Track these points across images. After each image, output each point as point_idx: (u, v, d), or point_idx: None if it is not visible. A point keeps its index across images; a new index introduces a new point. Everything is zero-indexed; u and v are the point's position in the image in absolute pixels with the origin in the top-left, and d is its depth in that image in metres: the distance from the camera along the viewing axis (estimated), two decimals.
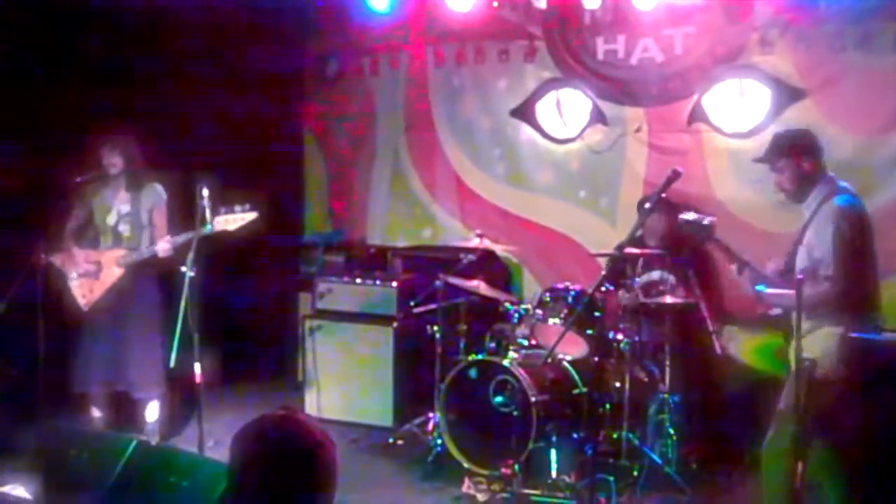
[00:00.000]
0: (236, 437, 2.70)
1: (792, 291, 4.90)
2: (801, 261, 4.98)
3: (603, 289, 6.51)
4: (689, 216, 5.34)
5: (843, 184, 5.06)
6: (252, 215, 6.33)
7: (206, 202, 6.04)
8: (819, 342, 4.80)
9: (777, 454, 4.96)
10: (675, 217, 6.76)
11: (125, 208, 6.85)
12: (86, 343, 6.82)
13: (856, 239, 4.83)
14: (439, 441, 6.88)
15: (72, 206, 6.93)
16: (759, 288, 5.06)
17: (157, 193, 6.89)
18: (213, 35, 8.11)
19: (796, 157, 5.04)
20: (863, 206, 5.03)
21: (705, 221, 5.29)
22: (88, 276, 6.83)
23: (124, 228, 6.84)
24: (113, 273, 6.78)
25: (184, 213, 6.66)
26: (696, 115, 7.68)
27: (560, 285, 7.14)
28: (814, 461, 4.82)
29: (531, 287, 8.45)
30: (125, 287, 6.78)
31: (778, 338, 6.98)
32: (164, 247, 6.63)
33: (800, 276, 4.70)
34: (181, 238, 6.56)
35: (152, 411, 6.99)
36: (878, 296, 5.09)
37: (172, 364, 5.93)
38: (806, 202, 5.06)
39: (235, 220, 6.25)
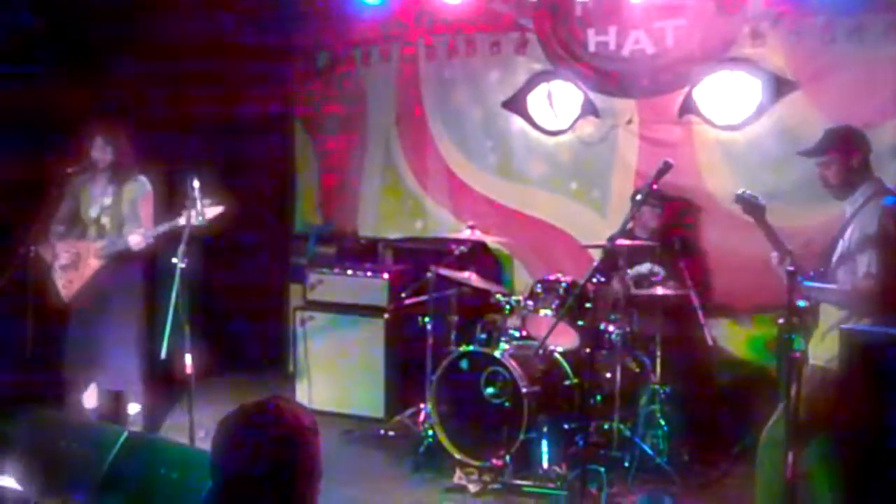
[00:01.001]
0: (217, 427, 2.72)
1: (829, 285, 4.92)
2: (839, 257, 4.95)
3: (594, 280, 6.52)
4: (745, 192, 5.25)
5: (890, 186, 5.04)
6: (219, 209, 6.30)
7: (196, 194, 6.03)
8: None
9: (775, 441, 4.96)
10: (666, 208, 6.79)
11: (107, 200, 6.82)
12: (67, 335, 6.81)
13: None
14: (430, 432, 6.88)
15: (60, 198, 6.90)
16: (803, 281, 5.00)
17: (140, 185, 6.85)
18: (204, 28, 8.09)
19: (846, 152, 5.00)
20: None
21: (760, 200, 5.22)
22: (68, 268, 6.81)
23: (106, 220, 6.80)
24: (91, 265, 6.75)
25: (172, 205, 6.62)
26: (688, 107, 7.67)
27: (551, 277, 7.15)
28: (811, 454, 4.85)
29: (522, 278, 8.46)
30: (105, 280, 6.75)
31: (770, 329, 7.02)
32: (135, 239, 6.61)
33: (838, 270, 4.77)
34: (153, 231, 6.57)
35: (134, 403, 6.98)
36: None
37: (164, 355, 5.92)
38: (851, 198, 5.02)
39: (212, 211, 6.25)
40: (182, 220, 6.26)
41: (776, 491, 4.93)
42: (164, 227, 6.49)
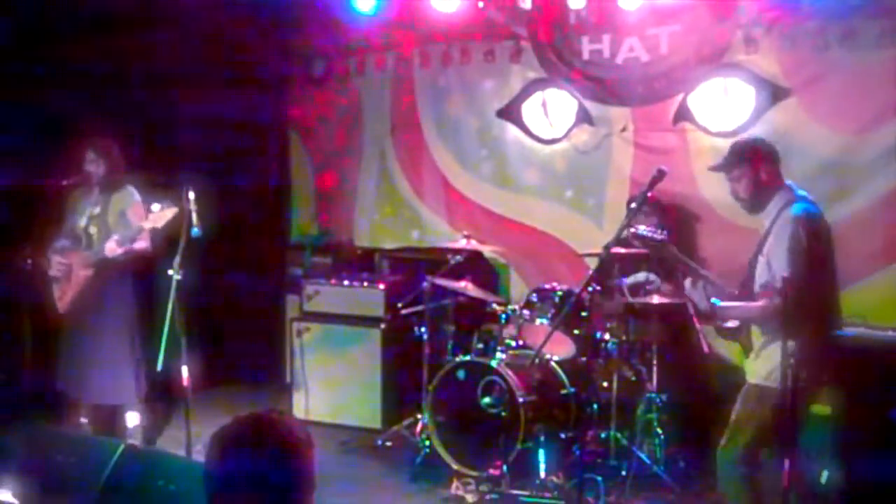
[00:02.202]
0: (211, 439, 2.71)
1: (747, 304, 4.92)
2: (760, 273, 4.93)
3: (590, 289, 6.52)
4: (642, 229, 5.16)
5: (802, 192, 5.01)
6: (173, 210, 6.29)
7: (191, 205, 6.01)
8: (775, 355, 4.73)
9: (731, 464, 4.97)
10: (662, 217, 6.80)
11: (95, 210, 6.82)
12: (60, 347, 6.81)
13: (813, 247, 4.76)
14: (427, 442, 6.88)
15: (57, 210, 6.89)
16: (715, 301, 5.01)
17: (129, 195, 6.84)
18: (199, 36, 8.10)
19: (754, 165, 4.98)
20: (821, 214, 4.98)
21: (658, 236, 5.14)
22: (61, 279, 6.81)
23: (93, 230, 6.80)
24: (81, 275, 6.75)
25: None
26: (682, 115, 7.69)
27: (547, 286, 7.16)
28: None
29: (518, 287, 8.46)
30: (94, 290, 6.74)
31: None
32: (110, 246, 6.58)
33: (759, 285, 4.78)
34: (118, 238, 6.55)
35: (132, 417, 6.96)
36: (836, 304, 5.08)
37: (160, 367, 5.91)
38: (765, 211, 5.01)
39: (163, 216, 6.25)
40: (147, 224, 6.34)
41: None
42: (130, 233, 6.51)
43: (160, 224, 6.32)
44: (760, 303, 4.84)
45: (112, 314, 6.78)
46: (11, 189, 6.91)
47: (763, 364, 4.89)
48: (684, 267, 5.16)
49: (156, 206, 6.26)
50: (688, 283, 5.12)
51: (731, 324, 5.16)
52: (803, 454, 5.01)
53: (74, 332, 6.76)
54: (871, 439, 5.37)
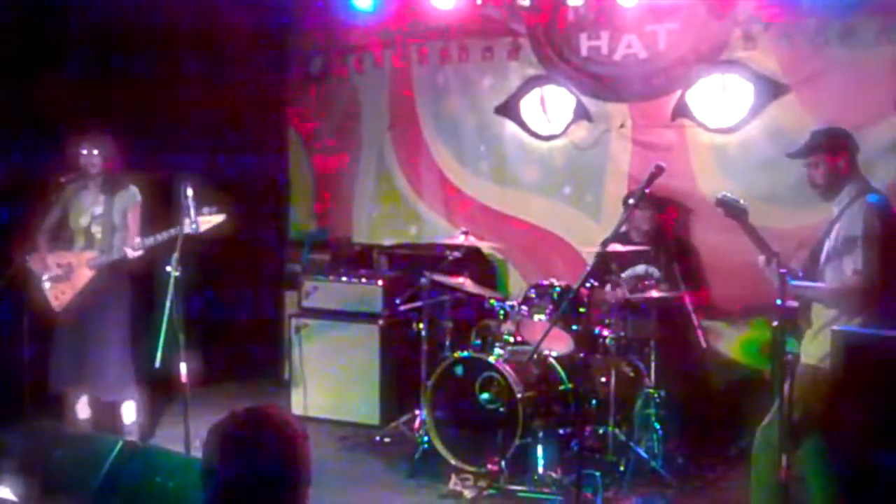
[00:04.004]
0: (209, 433, 2.72)
1: (818, 284, 4.94)
2: (827, 256, 4.96)
3: (588, 285, 6.52)
4: (726, 195, 5.18)
5: (875, 185, 5.06)
6: (220, 217, 6.30)
7: (190, 202, 6.01)
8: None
9: (769, 441, 4.96)
10: (660, 212, 6.80)
11: (98, 210, 6.81)
12: (57, 345, 6.80)
13: (886, 237, 4.80)
14: (426, 438, 6.88)
15: (50, 207, 6.88)
16: (791, 280, 4.99)
17: (130, 195, 6.85)
18: (197, 34, 8.09)
19: (833, 154, 5.00)
20: (892, 207, 5.00)
21: (743, 203, 5.16)
22: (60, 279, 6.80)
23: (96, 230, 6.81)
24: (84, 275, 6.76)
25: (166, 213, 6.61)
26: (680, 111, 7.70)
27: (545, 281, 7.15)
28: (804, 455, 4.87)
29: (517, 283, 8.47)
30: (96, 289, 6.75)
31: (764, 332, 7.03)
32: (131, 252, 6.62)
33: (826, 269, 4.81)
34: (150, 240, 6.57)
35: (129, 413, 6.97)
36: None
37: (158, 364, 5.91)
38: (837, 199, 5.02)
39: (209, 221, 6.25)
40: (174, 231, 6.28)
41: (771, 492, 4.95)
42: (161, 237, 6.50)
43: (205, 228, 6.27)
44: (833, 285, 4.84)
45: (111, 312, 6.80)
46: (8, 186, 6.92)
47: (820, 346, 4.85)
48: (758, 242, 5.12)
49: (205, 210, 6.23)
50: (762, 259, 5.10)
51: (794, 303, 5.15)
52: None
53: (73, 330, 6.76)
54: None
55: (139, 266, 6.76)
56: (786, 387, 4.90)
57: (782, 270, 4.83)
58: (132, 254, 6.63)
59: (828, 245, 4.98)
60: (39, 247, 6.84)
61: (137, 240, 6.64)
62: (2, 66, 7.21)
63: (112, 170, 6.81)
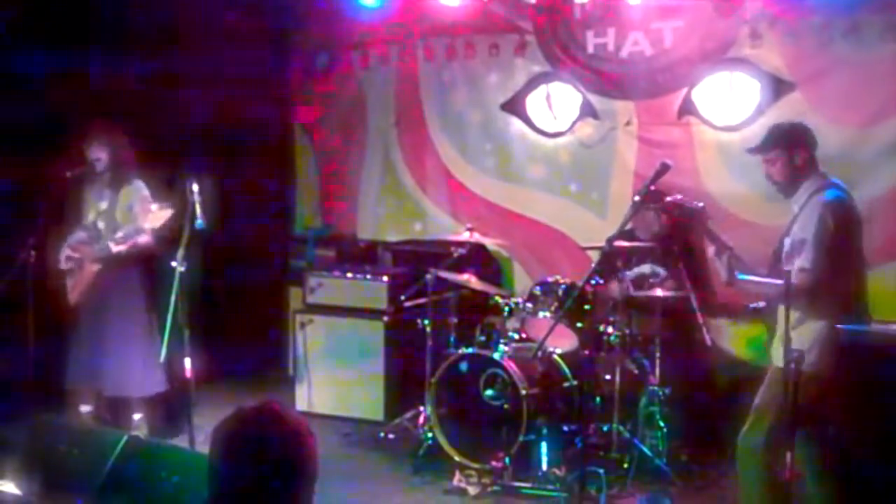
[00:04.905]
0: (215, 430, 2.72)
1: (769, 280, 4.93)
2: (786, 254, 4.95)
3: (593, 282, 6.52)
4: (677, 197, 5.21)
5: (835, 180, 5.03)
6: (169, 212, 6.35)
7: (196, 198, 6.01)
8: (805, 335, 4.79)
9: (751, 450, 4.98)
10: (664, 207, 6.78)
11: (104, 205, 6.83)
12: (74, 342, 6.83)
13: (840, 234, 4.79)
14: (430, 435, 6.88)
15: (62, 202, 6.90)
16: (740, 275, 5.01)
17: (136, 190, 6.84)
18: (203, 30, 8.09)
19: (790, 149, 4.99)
20: (852, 203, 5.00)
21: (698, 203, 5.18)
22: (72, 272, 6.84)
23: (102, 224, 6.82)
24: (90, 269, 6.77)
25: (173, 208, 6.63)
26: (686, 109, 7.69)
27: (550, 279, 7.16)
28: (797, 455, 4.86)
29: (522, 280, 8.47)
30: (103, 283, 6.76)
31: (764, 331, 7.03)
32: (112, 245, 6.65)
33: (787, 268, 4.72)
34: (129, 232, 6.61)
35: (137, 407, 6.98)
36: (864, 292, 5.07)
37: (163, 359, 5.93)
38: (795, 196, 5.03)
39: (160, 217, 6.28)
40: (147, 225, 6.43)
41: (760, 499, 4.96)
42: (131, 231, 6.61)
43: (157, 224, 6.34)
44: (782, 281, 4.84)
45: (119, 307, 6.80)
46: (14, 181, 6.93)
47: (798, 338, 4.87)
48: (712, 237, 5.13)
49: (154, 207, 6.28)
50: (712, 250, 5.10)
51: (759, 304, 5.15)
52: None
53: (84, 324, 6.79)
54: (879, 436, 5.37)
55: (147, 260, 6.76)
56: (759, 392, 4.97)
57: (733, 263, 4.87)
58: (116, 249, 6.63)
59: (787, 243, 4.97)
60: (52, 241, 6.86)
61: (118, 234, 6.65)
62: (10, 64, 7.21)
63: (121, 167, 6.81)
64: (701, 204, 5.23)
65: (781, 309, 4.91)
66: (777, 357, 4.96)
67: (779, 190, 5.12)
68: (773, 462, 4.88)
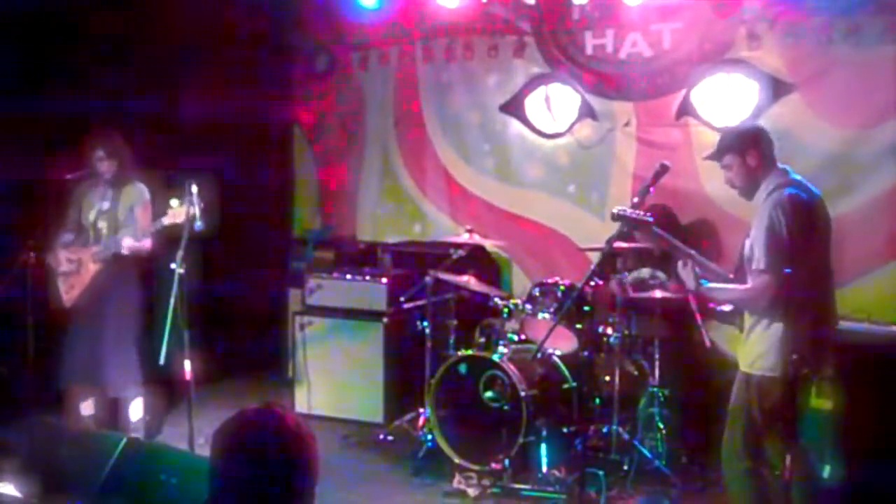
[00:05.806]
0: (217, 432, 2.72)
1: (733, 286, 4.90)
2: (747, 257, 4.86)
3: (592, 283, 6.51)
4: (626, 210, 5.01)
5: (796, 176, 4.88)
6: (188, 208, 6.33)
7: (195, 199, 6.02)
8: (764, 338, 4.74)
9: (732, 452, 4.96)
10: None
11: (105, 205, 6.83)
12: (67, 340, 6.81)
13: (794, 231, 4.63)
14: (429, 436, 6.88)
15: (62, 205, 6.91)
16: (703, 282, 4.93)
17: (138, 192, 6.85)
18: (202, 31, 8.09)
19: (742, 152, 4.89)
20: (810, 200, 4.80)
21: (640, 216, 4.98)
22: (70, 273, 6.83)
23: (102, 225, 6.82)
24: (90, 269, 6.77)
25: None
26: (685, 110, 7.70)
27: (549, 280, 7.16)
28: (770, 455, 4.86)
29: (521, 282, 8.48)
30: (103, 284, 6.75)
31: None
32: (127, 242, 6.64)
33: (750, 270, 4.71)
34: (141, 232, 6.61)
35: (135, 409, 6.96)
36: (826, 292, 4.91)
37: (162, 361, 5.91)
38: (755, 197, 4.91)
39: (181, 213, 6.26)
40: (166, 221, 6.35)
41: (745, 499, 4.96)
42: (149, 228, 6.59)
43: (179, 220, 6.30)
44: (744, 286, 4.81)
45: (118, 308, 6.79)
46: (16, 183, 6.93)
47: (748, 351, 4.86)
48: (670, 247, 5.05)
49: (174, 202, 6.26)
50: (680, 263, 5.06)
51: (726, 308, 5.14)
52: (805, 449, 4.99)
53: (82, 325, 6.78)
54: (873, 435, 5.38)
55: (146, 262, 6.76)
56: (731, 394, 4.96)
57: (697, 272, 4.84)
58: (128, 246, 6.63)
59: (747, 245, 4.90)
60: (56, 244, 6.86)
61: (134, 231, 6.65)
62: (13, 70, 7.21)
63: (122, 169, 6.81)
64: (648, 215, 5.02)
65: (747, 314, 4.92)
66: (741, 361, 4.95)
67: (740, 194, 5.01)
68: (758, 471, 4.87)
